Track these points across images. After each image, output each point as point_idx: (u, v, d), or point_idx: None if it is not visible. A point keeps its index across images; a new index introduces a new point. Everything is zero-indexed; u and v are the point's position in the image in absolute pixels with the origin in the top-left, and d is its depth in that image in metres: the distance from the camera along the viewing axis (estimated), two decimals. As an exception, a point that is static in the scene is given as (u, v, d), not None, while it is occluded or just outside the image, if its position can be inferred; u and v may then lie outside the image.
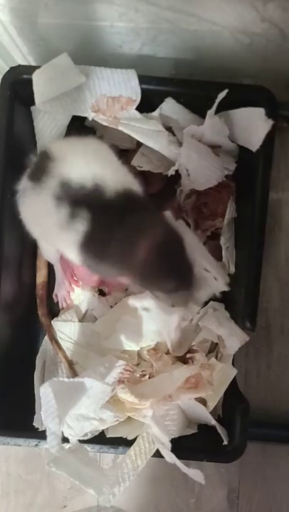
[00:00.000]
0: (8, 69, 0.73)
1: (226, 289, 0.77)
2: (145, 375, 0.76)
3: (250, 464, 0.82)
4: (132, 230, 0.61)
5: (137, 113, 0.74)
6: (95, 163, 0.65)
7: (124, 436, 0.72)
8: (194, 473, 0.65)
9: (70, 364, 0.79)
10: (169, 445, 0.66)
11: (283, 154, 0.85)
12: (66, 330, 0.81)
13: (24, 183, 0.68)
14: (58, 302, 0.83)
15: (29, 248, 0.82)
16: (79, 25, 0.72)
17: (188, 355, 0.78)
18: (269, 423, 0.83)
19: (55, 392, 0.64)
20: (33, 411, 0.76)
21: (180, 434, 0.73)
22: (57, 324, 0.81)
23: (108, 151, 0.68)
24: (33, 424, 0.74)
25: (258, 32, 0.69)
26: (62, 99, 0.73)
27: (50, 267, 0.83)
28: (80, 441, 0.70)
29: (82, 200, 0.62)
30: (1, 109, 0.72)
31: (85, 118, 0.76)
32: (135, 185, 0.66)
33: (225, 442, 0.71)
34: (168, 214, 0.67)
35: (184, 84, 0.74)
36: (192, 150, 0.74)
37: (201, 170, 0.74)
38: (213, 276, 0.76)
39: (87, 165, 0.64)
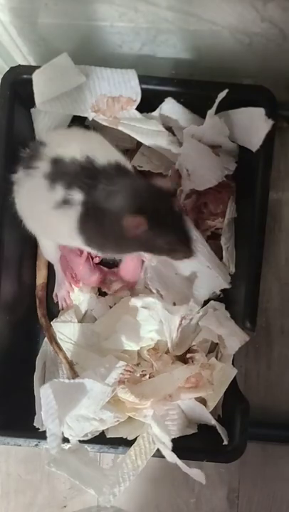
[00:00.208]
0: (8, 69, 0.73)
1: (227, 286, 0.77)
2: (145, 374, 0.76)
3: (250, 464, 0.82)
4: (125, 196, 0.63)
5: (137, 113, 0.74)
6: (85, 140, 0.69)
7: (125, 437, 0.72)
8: (195, 472, 0.65)
9: (71, 365, 0.79)
10: (170, 445, 0.66)
11: (283, 154, 0.85)
12: (66, 331, 0.81)
13: (18, 174, 0.70)
14: (57, 302, 0.83)
15: (29, 248, 0.82)
16: (79, 25, 0.72)
17: (188, 355, 0.78)
18: (269, 423, 0.83)
19: (56, 393, 0.64)
20: (33, 411, 0.76)
21: (180, 434, 0.73)
22: (56, 325, 0.81)
23: (96, 134, 0.72)
24: (34, 424, 0.74)
25: (258, 32, 0.69)
26: (62, 99, 0.73)
27: (50, 268, 0.83)
28: (80, 441, 0.70)
29: (74, 174, 0.65)
30: (1, 109, 0.72)
31: (85, 118, 0.76)
32: (124, 160, 0.69)
33: (225, 442, 0.71)
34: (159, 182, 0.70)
35: (184, 84, 0.74)
36: (192, 150, 0.74)
37: (201, 170, 0.74)
38: (215, 274, 0.76)
39: (76, 142, 0.67)
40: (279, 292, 0.85)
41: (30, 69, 0.71)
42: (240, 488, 0.83)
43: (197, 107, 0.75)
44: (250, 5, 0.65)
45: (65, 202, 0.65)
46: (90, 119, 0.75)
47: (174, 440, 0.68)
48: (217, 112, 0.72)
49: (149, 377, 0.76)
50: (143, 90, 0.73)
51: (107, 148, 0.70)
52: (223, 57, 0.75)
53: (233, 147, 0.76)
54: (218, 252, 0.78)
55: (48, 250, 0.80)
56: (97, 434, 0.73)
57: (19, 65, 0.75)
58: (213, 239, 0.79)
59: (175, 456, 0.66)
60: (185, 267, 0.78)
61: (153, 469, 0.82)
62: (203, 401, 0.75)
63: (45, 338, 0.82)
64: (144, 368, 0.77)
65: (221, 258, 0.78)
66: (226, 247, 0.78)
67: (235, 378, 0.74)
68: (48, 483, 0.84)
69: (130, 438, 0.72)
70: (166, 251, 0.68)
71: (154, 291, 0.78)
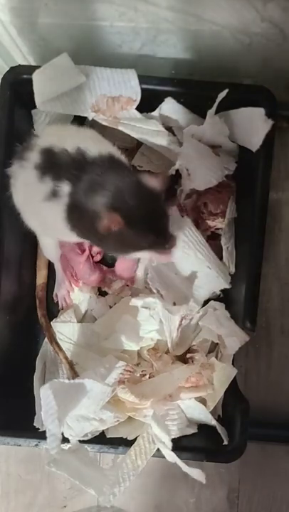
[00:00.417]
0: (8, 69, 0.73)
1: (227, 286, 0.77)
2: (145, 374, 0.76)
3: (250, 464, 0.82)
4: (106, 192, 0.61)
5: (137, 113, 0.74)
6: (77, 132, 0.68)
7: (125, 437, 0.72)
8: (195, 472, 0.65)
9: (71, 365, 0.79)
10: (170, 444, 0.66)
11: (283, 154, 0.85)
12: (65, 331, 0.81)
13: (13, 166, 0.69)
14: (57, 302, 0.83)
15: (29, 248, 0.82)
16: (79, 25, 0.72)
17: (188, 355, 0.78)
18: (269, 423, 0.83)
19: (56, 394, 0.64)
20: (33, 411, 0.76)
21: (180, 433, 0.73)
22: (56, 325, 0.81)
23: (91, 130, 0.71)
24: (34, 424, 0.74)
25: (258, 32, 0.69)
26: (63, 99, 0.73)
27: (50, 268, 0.83)
28: (80, 441, 0.70)
29: (64, 165, 0.63)
30: (1, 109, 0.72)
31: (85, 118, 0.76)
32: (116, 152, 0.67)
33: (225, 442, 0.71)
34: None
35: (184, 84, 0.74)
36: (192, 150, 0.74)
37: (201, 170, 0.74)
38: (215, 274, 0.76)
39: (68, 134, 0.67)
40: (279, 292, 0.85)
41: (30, 69, 0.72)
42: (240, 488, 0.83)
43: (197, 107, 0.75)
44: (250, 5, 0.65)
45: (54, 194, 0.63)
46: (90, 119, 0.75)
47: (174, 440, 0.68)
48: (217, 111, 0.72)
49: (149, 377, 0.76)
50: (143, 90, 0.73)
51: (101, 141, 0.68)
52: (223, 57, 0.75)
53: (233, 147, 0.76)
54: (218, 252, 0.78)
55: (49, 248, 0.79)
56: (97, 434, 0.73)
57: (19, 65, 0.75)
58: (213, 239, 0.79)
59: (175, 456, 0.66)
60: (185, 267, 0.78)
61: (153, 469, 0.82)
62: (203, 401, 0.75)
63: (45, 338, 0.82)
64: (144, 367, 0.77)
65: (221, 258, 0.78)
66: (226, 247, 0.78)
67: (235, 378, 0.74)
68: (48, 483, 0.84)
69: (130, 438, 0.72)
70: (146, 248, 0.65)
71: (154, 291, 0.78)
